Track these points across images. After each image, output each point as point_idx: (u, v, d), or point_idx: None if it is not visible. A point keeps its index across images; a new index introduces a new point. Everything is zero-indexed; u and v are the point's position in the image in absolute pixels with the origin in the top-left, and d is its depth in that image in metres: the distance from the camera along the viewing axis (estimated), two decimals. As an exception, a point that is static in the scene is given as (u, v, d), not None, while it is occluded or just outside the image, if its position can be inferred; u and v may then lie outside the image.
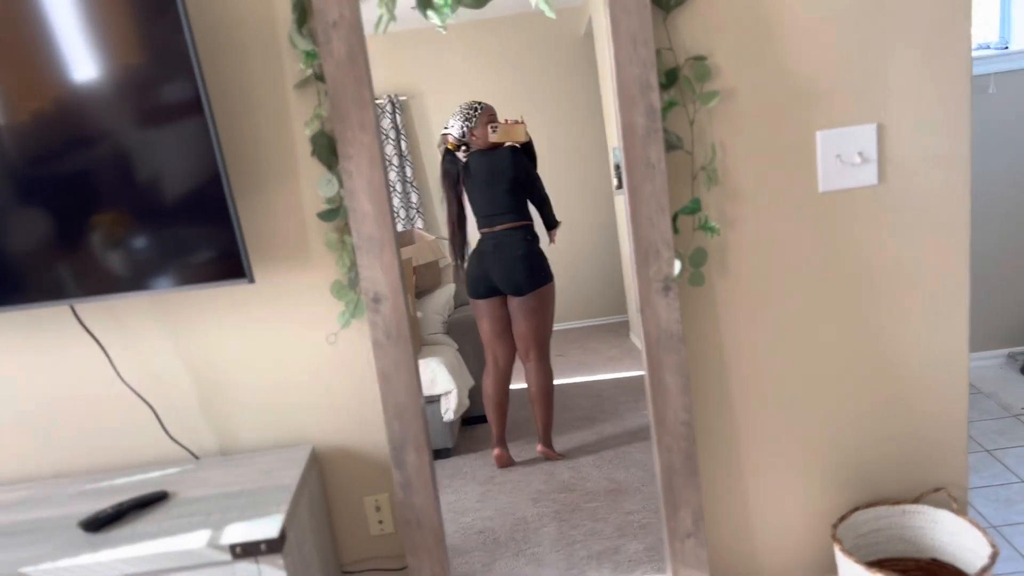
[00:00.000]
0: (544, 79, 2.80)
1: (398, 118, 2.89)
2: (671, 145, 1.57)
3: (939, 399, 1.75)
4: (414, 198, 3.00)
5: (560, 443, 2.66)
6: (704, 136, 1.60)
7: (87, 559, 1.39)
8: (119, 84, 1.43)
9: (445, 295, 3.05)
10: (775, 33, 1.57)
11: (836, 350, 1.73)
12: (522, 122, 2.38)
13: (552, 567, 2.09)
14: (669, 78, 1.56)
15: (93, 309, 1.69)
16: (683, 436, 1.62)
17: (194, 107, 1.43)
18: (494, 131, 2.36)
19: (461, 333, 2.92)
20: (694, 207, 1.59)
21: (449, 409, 2.67)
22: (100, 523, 1.49)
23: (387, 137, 2.91)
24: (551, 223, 2.46)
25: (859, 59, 1.58)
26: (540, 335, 2.62)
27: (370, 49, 1.51)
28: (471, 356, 2.91)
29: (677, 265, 1.55)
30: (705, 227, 1.61)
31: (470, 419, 2.91)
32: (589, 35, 2.74)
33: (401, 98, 2.85)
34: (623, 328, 3.05)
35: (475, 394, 2.89)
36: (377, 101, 2.89)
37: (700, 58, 1.56)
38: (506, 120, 2.40)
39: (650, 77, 1.50)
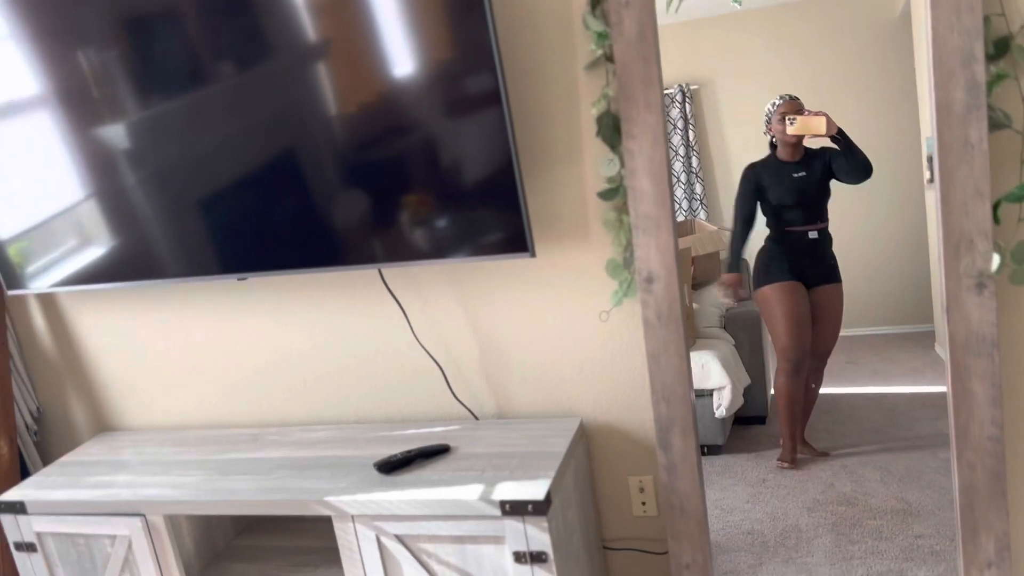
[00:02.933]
0: (851, 66, 2.61)
1: (687, 107, 2.84)
2: (996, 123, 1.38)
3: None
4: (698, 189, 2.94)
5: (844, 454, 2.48)
6: (1039, 113, 1.39)
7: (378, 496, 1.55)
8: (427, 79, 1.55)
9: (723, 288, 2.95)
10: None
11: None
12: (823, 114, 2.22)
13: (824, 580, 1.95)
14: (999, 48, 1.37)
15: (395, 276, 1.86)
16: (989, 452, 1.43)
17: (493, 100, 1.52)
18: (791, 123, 2.23)
19: (738, 328, 2.81)
20: (1021, 194, 1.39)
21: (722, 405, 2.59)
22: (392, 466, 1.65)
23: (675, 127, 2.87)
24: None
25: None
26: None
27: (662, 36, 1.50)
28: (748, 353, 2.79)
29: (996, 259, 1.37)
30: (1033, 218, 1.40)
31: (743, 419, 2.81)
32: (905, 17, 2.51)
33: (692, 87, 2.80)
34: (927, 338, 2.76)
35: (751, 392, 2.78)
36: (667, 90, 2.87)
37: (1040, 23, 1.36)
38: (806, 112, 2.25)
39: (974, 48, 1.33)
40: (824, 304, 2.45)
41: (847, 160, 2.27)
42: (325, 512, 1.58)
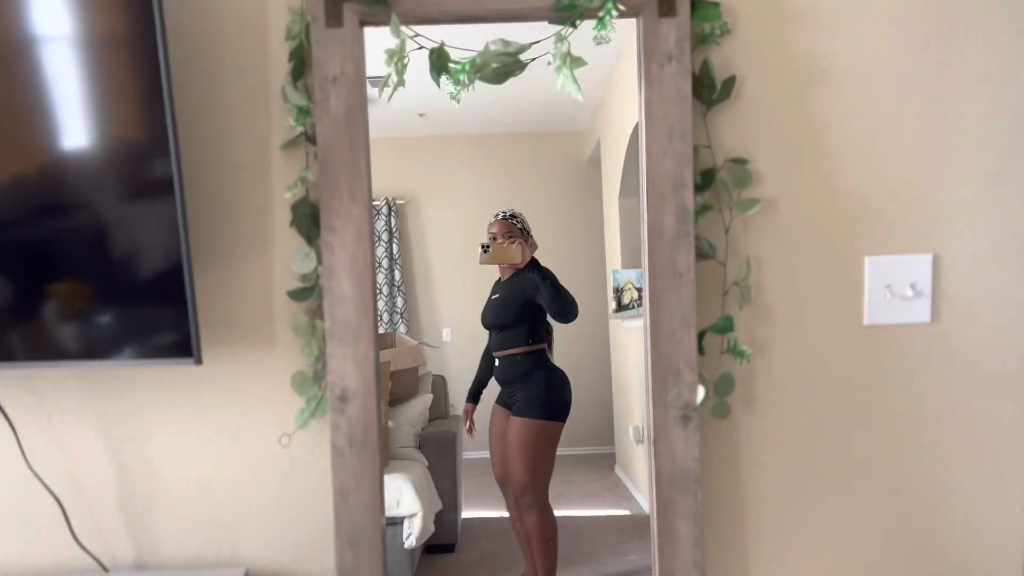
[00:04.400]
0: (548, 199, 2.73)
1: (393, 221, 2.82)
2: (702, 253, 1.38)
3: (994, 572, 1.49)
4: (399, 302, 2.88)
5: (532, 584, 2.37)
6: (739, 247, 1.42)
7: None
8: (89, 157, 1.28)
9: (420, 405, 2.82)
10: (824, 144, 1.42)
11: (875, 506, 1.48)
12: (518, 241, 2.18)
13: None
14: (705, 179, 1.39)
15: (7, 384, 1.43)
16: (693, 599, 1.35)
17: (165, 188, 1.26)
18: (484, 252, 2.16)
19: (434, 448, 2.68)
20: (725, 325, 1.39)
21: (412, 535, 2.40)
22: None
23: (379, 239, 2.82)
24: None
25: (917, 179, 1.42)
26: None
27: (373, 151, 1.37)
28: (443, 475, 2.66)
29: (700, 391, 1.33)
30: (734, 350, 1.40)
31: (434, 547, 2.64)
32: (595, 159, 2.67)
33: (399, 202, 2.79)
34: (607, 460, 2.83)
35: (442, 519, 2.63)
36: (374, 202, 2.79)
37: (740, 161, 1.40)
38: (499, 240, 2.20)
39: (685, 174, 1.33)
40: (508, 435, 2.39)
41: (544, 294, 2.22)
42: None
